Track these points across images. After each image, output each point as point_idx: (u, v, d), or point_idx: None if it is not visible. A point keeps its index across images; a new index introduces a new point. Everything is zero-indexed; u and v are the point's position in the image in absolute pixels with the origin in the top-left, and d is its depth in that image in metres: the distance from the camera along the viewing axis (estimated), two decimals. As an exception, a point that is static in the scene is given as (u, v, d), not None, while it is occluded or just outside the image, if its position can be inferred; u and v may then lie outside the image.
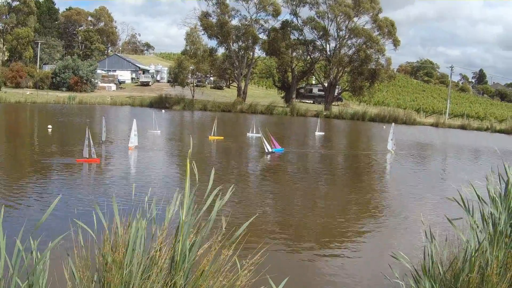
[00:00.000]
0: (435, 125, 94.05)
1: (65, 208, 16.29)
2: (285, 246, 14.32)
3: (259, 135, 39.20)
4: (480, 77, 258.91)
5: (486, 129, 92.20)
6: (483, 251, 8.45)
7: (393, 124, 42.44)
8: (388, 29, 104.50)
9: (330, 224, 16.94)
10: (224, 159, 33.48)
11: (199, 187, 7.17)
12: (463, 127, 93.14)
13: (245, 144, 42.36)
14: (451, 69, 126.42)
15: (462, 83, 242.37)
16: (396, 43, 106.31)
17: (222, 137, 43.70)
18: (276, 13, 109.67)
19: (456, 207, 9.64)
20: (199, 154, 32.58)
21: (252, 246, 8.15)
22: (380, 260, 13.28)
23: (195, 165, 6.96)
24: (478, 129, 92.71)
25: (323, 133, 56.35)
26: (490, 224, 9.04)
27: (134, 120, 33.53)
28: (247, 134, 46.68)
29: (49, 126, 46.90)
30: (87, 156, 26.94)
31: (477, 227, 8.81)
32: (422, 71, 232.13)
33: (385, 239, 15.65)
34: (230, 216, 13.21)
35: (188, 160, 6.34)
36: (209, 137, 43.54)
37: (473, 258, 8.31)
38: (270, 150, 33.60)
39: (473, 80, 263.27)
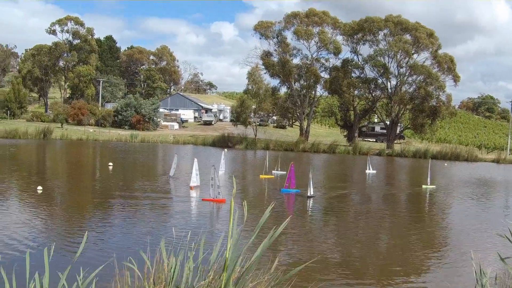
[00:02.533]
0: (496, 161, 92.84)
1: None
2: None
3: (284, 172, 38.72)
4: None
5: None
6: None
7: (429, 160, 42.48)
8: (448, 65, 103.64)
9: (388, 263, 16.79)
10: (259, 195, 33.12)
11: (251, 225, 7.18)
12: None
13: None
14: None
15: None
16: (456, 79, 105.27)
17: (273, 176, 43.60)
18: (337, 51, 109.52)
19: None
20: (251, 192, 32.35)
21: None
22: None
23: (246, 204, 6.92)
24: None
25: (375, 171, 54.92)
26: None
27: (195, 159, 33.71)
28: (272, 171, 45.77)
29: (110, 164, 47.28)
30: (214, 196, 27.42)
31: None
32: (483, 107, 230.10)
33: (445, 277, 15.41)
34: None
35: (232, 199, 6.34)
36: (260, 175, 43.51)
37: None
38: (311, 194, 31.62)
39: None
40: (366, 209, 30.29)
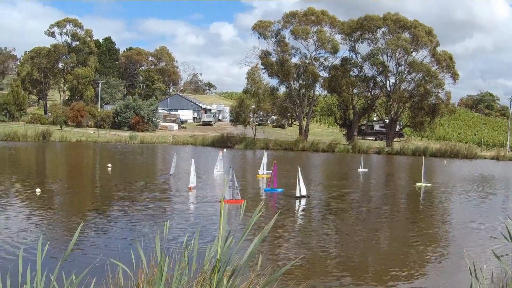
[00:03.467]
0: (496, 158, 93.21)
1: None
2: None
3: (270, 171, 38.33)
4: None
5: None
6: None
7: (423, 158, 42.30)
8: (447, 62, 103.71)
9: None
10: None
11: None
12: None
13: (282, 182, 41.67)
14: (511, 101, 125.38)
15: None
16: (455, 76, 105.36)
17: (269, 175, 43.54)
18: (334, 50, 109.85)
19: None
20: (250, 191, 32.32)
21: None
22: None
23: (245, 204, 7.10)
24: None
25: (367, 170, 54.11)
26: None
27: (192, 160, 33.70)
28: (258, 171, 45.25)
29: (109, 165, 47.30)
30: (231, 198, 27.22)
31: None
32: (482, 104, 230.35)
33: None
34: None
35: (222, 200, 6.36)
36: (257, 175, 43.71)
37: None
38: (302, 194, 30.59)
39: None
40: (358, 208, 30.26)
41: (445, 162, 76.98)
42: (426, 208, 31.23)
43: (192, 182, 32.75)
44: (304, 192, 30.27)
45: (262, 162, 44.21)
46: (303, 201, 29.58)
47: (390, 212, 28.95)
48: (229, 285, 6.34)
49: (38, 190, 28.68)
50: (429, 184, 41.02)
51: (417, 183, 41.64)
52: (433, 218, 27.17)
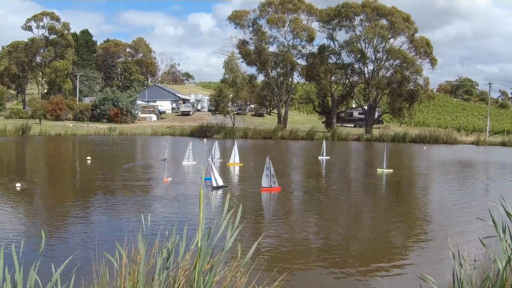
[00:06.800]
0: (476, 143, 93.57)
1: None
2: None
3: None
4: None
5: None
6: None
7: (386, 145, 42.29)
8: (424, 48, 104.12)
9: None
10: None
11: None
12: (503, 144, 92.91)
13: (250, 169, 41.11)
14: (490, 86, 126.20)
15: (501, 99, 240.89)
16: (433, 62, 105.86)
17: (242, 164, 43.45)
18: (310, 39, 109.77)
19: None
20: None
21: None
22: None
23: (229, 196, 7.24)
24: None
25: (328, 157, 52.30)
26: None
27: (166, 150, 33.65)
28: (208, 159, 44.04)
29: (88, 158, 47.27)
30: (269, 186, 28.01)
31: (509, 245, 8.61)
32: (461, 90, 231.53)
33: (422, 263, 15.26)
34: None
35: (201, 188, 6.33)
36: (228, 163, 43.79)
37: (504, 277, 8.15)
38: (218, 184, 29.30)
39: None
40: (321, 196, 30.25)
41: (424, 147, 77.20)
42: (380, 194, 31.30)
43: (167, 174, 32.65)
44: (220, 183, 29.36)
45: (233, 152, 43.98)
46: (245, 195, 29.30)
47: (336, 198, 28.91)
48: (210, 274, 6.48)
49: (18, 185, 28.46)
50: (391, 170, 40.60)
51: (378, 169, 41.44)
52: (414, 204, 27.23)
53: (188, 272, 6.91)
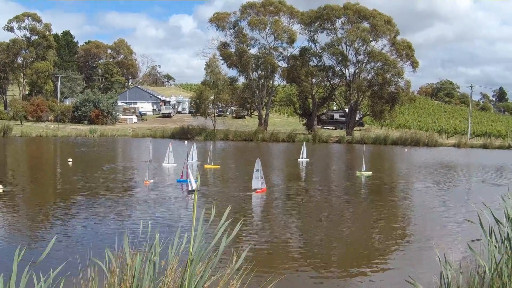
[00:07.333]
0: (457, 145, 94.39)
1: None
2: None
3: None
4: (501, 95, 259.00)
5: (508, 147, 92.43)
6: (500, 274, 8.27)
7: (364, 147, 42.40)
8: (406, 51, 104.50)
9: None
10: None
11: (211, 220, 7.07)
12: (485, 146, 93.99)
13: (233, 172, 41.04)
14: (471, 89, 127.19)
15: (483, 102, 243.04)
16: (414, 65, 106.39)
17: (218, 166, 43.59)
18: (290, 41, 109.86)
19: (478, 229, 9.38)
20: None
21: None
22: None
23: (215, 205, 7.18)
24: (500, 147, 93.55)
25: (308, 159, 52.65)
26: (508, 245, 8.80)
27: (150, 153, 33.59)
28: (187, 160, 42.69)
29: (70, 160, 46.84)
30: (260, 187, 28.36)
31: (495, 248, 8.59)
32: (442, 92, 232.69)
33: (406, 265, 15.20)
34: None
35: (195, 193, 6.28)
36: (205, 165, 43.44)
37: (492, 281, 8.14)
38: (193, 187, 28.13)
39: (494, 99, 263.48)
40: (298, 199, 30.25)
41: (406, 150, 77.36)
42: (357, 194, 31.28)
43: (147, 177, 32.54)
44: (194, 186, 27.51)
45: (209, 154, 43.96)
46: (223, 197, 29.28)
47: (312, 200, 28.91)
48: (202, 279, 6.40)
49: (0, 186, 28.24)
50: (370, 173, 40.59)
51: (357, 172, 41.27)
52: (396, 207, 27.20)
53: (176, 277, 6.98)
